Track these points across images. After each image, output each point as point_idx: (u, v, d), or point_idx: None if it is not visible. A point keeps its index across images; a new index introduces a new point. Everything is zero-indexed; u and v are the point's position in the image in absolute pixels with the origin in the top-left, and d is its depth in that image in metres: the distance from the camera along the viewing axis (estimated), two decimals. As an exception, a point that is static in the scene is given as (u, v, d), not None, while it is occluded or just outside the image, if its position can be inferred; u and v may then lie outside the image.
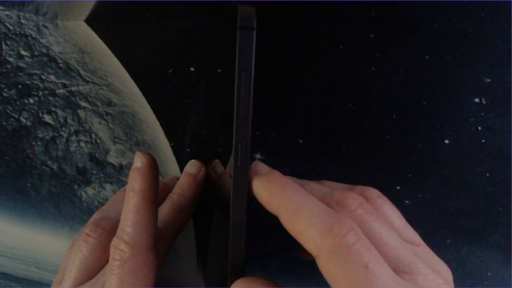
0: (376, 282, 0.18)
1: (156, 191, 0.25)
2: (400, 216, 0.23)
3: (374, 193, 0.23)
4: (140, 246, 0.23)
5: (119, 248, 0.23)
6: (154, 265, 0.24)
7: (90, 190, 0.31)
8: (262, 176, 0.21)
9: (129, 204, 0.24)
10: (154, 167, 0.25)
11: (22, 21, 0.28)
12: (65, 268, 0.27)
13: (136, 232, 0.23)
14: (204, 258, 0.31)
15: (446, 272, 0.21)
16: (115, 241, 0.23)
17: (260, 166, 0.22)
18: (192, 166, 0.29)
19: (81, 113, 0.29)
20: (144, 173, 0.24)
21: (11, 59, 0.29)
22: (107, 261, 0.26)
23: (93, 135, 0.30)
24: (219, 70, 0.28)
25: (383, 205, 0.23)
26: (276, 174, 0.21)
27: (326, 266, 0.19)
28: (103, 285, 0.24)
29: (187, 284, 0.32)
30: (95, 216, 0.27)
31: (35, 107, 0.29)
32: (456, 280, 0.31)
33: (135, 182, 0.24)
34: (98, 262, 0.26)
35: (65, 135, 0.30)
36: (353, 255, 0.18)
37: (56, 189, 0.31)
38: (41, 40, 0.28)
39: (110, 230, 0.26)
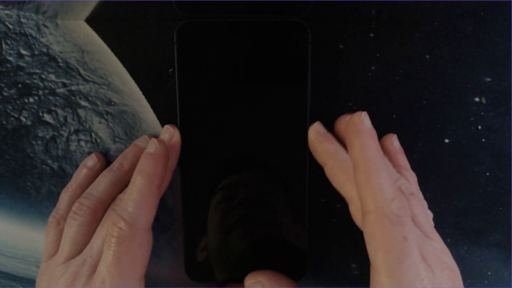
0: (406, 253, 0.21)
1: (163, 177, 0.25)
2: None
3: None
4: (139, 226, 0.24)
5: (118, 226, 0.24)
6: (150, 245, 0.25)
7: (90, 190, 0.31)
8: (360, 128, 0.24)
9: (135, 185, 0.25)
10: (166, 155, 0.26)
11: (22, 20, 0.28)
12: (49, 248, 0.28)
13: (137, 213, 0.24)
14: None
15: (451, 261, 0.25)
16: (114, 217, 0.24)
17: (367, 119, 0.25)
18: (164, 132, 0.28)
19: (81, 112, 0.29)
20: (156, 159, 0.25)
21: (11, 58, 0.29)
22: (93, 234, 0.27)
23: (93, 134, 0.30)
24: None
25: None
26: (375, 134, 0.25)
27: (373, 224, 0.22)
28: (96, 259, 0.25)
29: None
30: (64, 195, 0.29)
31: (35, 106, 0.30)
32: (456, 280, 0.31)
33: (145, 165, 0.25)
34: (86, 236, 0.27)
35: (65, 134, 0.30)
36: (399, 225, 0.22)
37: (56, 188, 0.31)
38: (41, 39, 0.28)
39: (94, 207, 0.27)
